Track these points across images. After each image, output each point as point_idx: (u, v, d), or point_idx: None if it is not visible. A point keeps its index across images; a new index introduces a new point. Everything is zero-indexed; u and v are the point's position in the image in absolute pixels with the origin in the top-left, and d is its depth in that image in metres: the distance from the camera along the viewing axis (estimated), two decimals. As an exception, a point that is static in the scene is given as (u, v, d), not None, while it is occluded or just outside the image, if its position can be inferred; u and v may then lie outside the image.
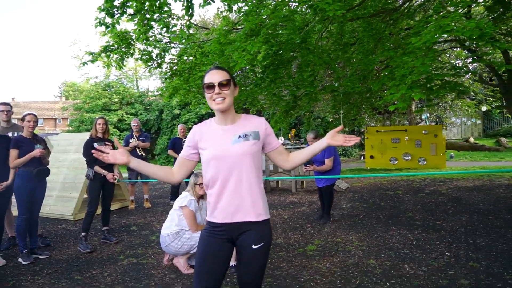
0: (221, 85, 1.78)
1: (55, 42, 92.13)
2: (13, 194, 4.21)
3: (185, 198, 3.70)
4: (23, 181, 4.09)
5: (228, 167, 1.79)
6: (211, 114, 21.59)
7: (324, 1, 3.85)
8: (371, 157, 11.83)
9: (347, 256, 3.86)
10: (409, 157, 11.11)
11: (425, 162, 10.95)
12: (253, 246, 1.78)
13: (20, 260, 4.07)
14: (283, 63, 5.62)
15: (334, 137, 1.87)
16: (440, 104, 16.14)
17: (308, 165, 5.35)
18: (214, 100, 1.79)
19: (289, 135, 14.90)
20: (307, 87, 5.48)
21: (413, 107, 14.13)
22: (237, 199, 1.80)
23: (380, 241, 4.32)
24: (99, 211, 4.88)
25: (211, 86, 1.78)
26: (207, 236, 1.85)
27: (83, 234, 4.53)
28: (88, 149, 4.62)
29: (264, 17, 4.58)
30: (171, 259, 3.87)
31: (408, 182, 8.66)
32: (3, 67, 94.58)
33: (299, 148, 10.57)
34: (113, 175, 4.67)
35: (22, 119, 4.21)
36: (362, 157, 16.27)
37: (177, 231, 3.62)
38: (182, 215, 3.69)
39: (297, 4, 4.37)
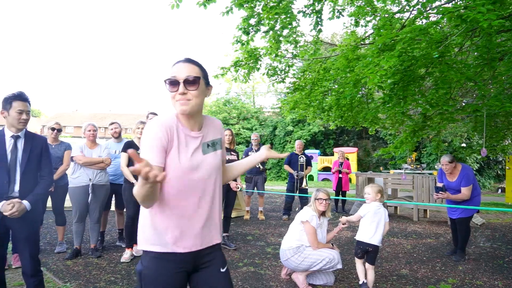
0: (187, 82, 1.38)
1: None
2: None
3: (307, 213, 3.64)
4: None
5: (203, 181, 1.49)
6: (325, 133, 21.27)
7: (477, 10, 3.41)
8: (514, 191, 10.06)
9: (494, 305, 3.26)
10: None
11: None
12: (221, 270, 1.57)
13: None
14: (415, 80, 5.19)
15: (271, 152, 1.84)
16: None
17: (440, 192, 4.76)
18: (177, 100, 1.41)
19: (409, 159, 13.72)
20: (444, 106, 4.93)
21: None
22: (211, 220, 1.54)
23: (538, 293, 3.54)
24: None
25: (174, 83, 1.39)
26: (164, 276, 1.45)
27: (224, 234, 5.09)
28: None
29: (398, 30, 4.31)
30: (289, 273, 3.82)
31: None
32: (143, 86, 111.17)
33: (419, 174, 9.60)
34: (236, 184, 4.91)
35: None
36: (500, 190, 14.02)
37: (297, 246, 3.56)
38: (303, 230, 3.63)
39: (440, 15, 3.99)
